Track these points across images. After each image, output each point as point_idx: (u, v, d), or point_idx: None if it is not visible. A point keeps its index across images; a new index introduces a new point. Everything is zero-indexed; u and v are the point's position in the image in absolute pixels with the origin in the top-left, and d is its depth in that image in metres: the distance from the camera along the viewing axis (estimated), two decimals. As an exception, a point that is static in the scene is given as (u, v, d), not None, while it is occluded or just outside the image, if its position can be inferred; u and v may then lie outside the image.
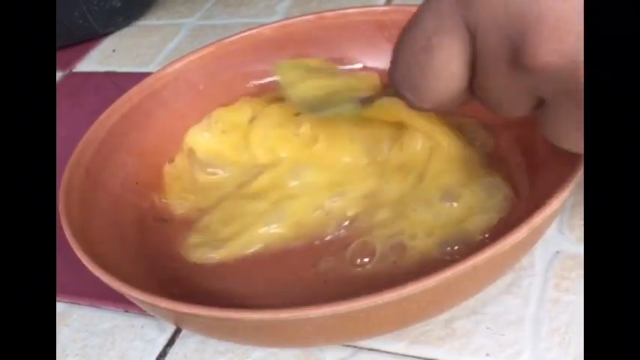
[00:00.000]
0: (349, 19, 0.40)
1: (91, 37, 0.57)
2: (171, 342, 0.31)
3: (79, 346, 0.32)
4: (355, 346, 0.29)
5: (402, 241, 0.30)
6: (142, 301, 0.26)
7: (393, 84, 0.25)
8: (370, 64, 0.41)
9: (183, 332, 0.31)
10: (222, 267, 0.32)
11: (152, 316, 0.32)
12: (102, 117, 0.36)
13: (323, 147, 0.34)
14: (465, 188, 0.31)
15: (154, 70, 0.41)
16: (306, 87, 0.34)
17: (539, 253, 0.31)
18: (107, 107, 0.37)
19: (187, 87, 0.40)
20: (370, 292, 0.23)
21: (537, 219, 0.24)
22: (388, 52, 0.39)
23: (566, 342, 0.27)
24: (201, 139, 0.37)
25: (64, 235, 0.29)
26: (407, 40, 0.24)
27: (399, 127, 0.34)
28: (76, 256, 0.28)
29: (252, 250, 0.32)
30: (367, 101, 0.32)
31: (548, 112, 0.23)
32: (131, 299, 0.27)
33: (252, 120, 0.37)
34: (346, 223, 0.32)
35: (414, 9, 0.39)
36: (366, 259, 0.30)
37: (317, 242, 0.32)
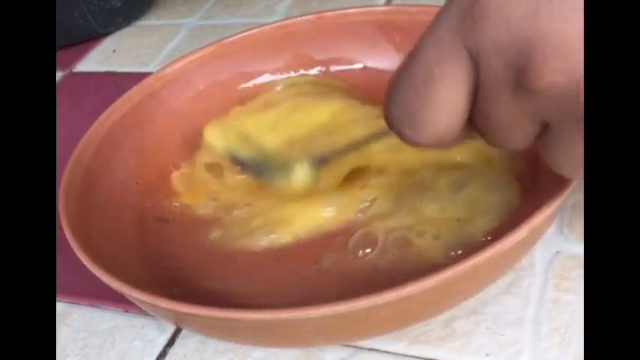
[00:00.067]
0: (349, 19, 0.40)
1: (91, 37, 0.57)
2: (171, 342, 0.31)
3: (79, 346, 0.32)
4: (355, 346, 0.29)
5: (408, 236, 0.30)
6: (142, 301, 0.26)
7: (391, 122, 0.24)
8: (370, 64, 0.41)
9: (183, 332, 0.31)
10: (222, 267, 0.32)
11: (152, 316, 0.32)
12: (102, 117, 0.36)
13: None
14: (472, 180, 0.31)
15: (154, 70, 0.41)
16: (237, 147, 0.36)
17: (539, 253, 0.31)
18: (107, 107, 0.37)
19: (187, 87, 0.40)
20: (372, 290, 0.23)
21: (537, 219, 0.24)
22: (388, 52, 0.40)
23: (566, 342, 0.27)
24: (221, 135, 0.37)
25: (64, 235, 0.29)
26: (406, 75, 0.23)
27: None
28: (76, 256, 0.28)
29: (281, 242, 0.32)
30: (323, 161, 0.33)
31: (551, 137, 0.22)
32: (131, 299, 0.27)
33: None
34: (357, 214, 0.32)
35: (414, 9, 0.40)
36: (368, 250, 0.30)
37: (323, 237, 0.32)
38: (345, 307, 0.23)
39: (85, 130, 0.35)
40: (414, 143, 0.24)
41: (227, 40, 0.41)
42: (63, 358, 0.31)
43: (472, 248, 0.29)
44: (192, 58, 0.40)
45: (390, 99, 0.24)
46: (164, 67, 0.40)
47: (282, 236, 0.32)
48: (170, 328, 0.31)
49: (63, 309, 0.34)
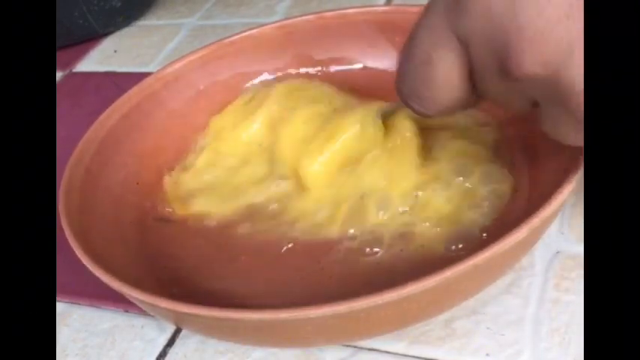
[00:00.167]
0: (349, 19, 0.40)
1: (91, 37, 0.57)
2: (171, 342, 0.31)
3: (79, 346, 0.32)
4: (355, 346, 0.29)
5: (411, 228, 0.30)
6: (142, 301, 0.26)
7: (401, 95, 0.27)
8: (370, 64, 0.41)
9: (183, 332, 0.31)
10: (222, 267, 0.32)
11: (152, 316, 0.32)
12: (102, 117, 0.36)
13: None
14: (477, 167, 0.32)
15: (154, 70, 0.41)
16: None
17: (539, 253, 0.31)
18: (107, 107, 0.37)
19: (187, 87, 0.40)
20: (372, 290, 0.23)
21: (537, 219, 0.24)
22: (388, 52, 0.40)
23: (566, 342, 0.27)
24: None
25: (64, 235, 0.29)
26: (408, 55, 0.25)
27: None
28: (76, 256, 0.28)
29: None
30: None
31: (544, 115, 0.24)
32: (131, 299, 0.27)
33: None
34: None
35: (414, 9, 0.40)
36: (376, 249, 0.30)
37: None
38: (345, 307, 0.23)
39: (85, 130, 0.35)
40: (423, 115, 0.27)
41: (227, 40, 0.41)
42: (63, 358, 0.31)
43: (471, 243, 0.29)
44: (192, 58, 0.40)
45: (399, 77, 0.26)
46: (164, 67, 0.40)
47: (307, 229, 0.32)
48: (170, 328, 0.31)
49: (63, 309, 0.34)
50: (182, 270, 0.32)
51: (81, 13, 0.55)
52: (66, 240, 0.29)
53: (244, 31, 0.41)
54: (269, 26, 0.41)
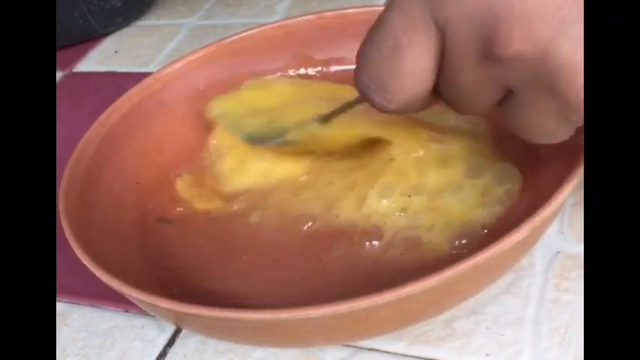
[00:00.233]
0: (349, 19, 0.40)
1: (91, 37, 0.57)
2: (171, 342, 0.31)
3: (79, 346, 0.32)
4: (355, 346, 0.29)
5: (417, 232, 0.30)
6: (142, 301, 0.26)
7: (360, 87, 0.25)
8: (370, 64, 0.41)
9: (183, 332, 0.31)
10: (222, 267, 0.32)
11: (152, 316, 0.32)
12: (102, 117, 0.36)
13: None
14: (491, 166, 0.31)
15: (154, 70, 0.41)
16: (247, 121, 0.35)
17: (539, 253, 0.31)
18: (107, 107, 0.37)
19: (187, 87, 0.40)
20: (372, 289, 0.23)
21: (537, 219, 0.24)
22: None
23: (566, 342, 0.27)
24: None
25: (64, 235, 0.29)
26: (374, 42, 0.24)
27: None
28: (76, 256, 0.28)
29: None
30: (327, 118, 0.32)
31: (514, 103, 0.23)
32: (131, 299, 0.27)
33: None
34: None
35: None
36: (375, 242, 0.30)
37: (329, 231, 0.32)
38: (345, 307, 0.23)
39: (85, 130, 0.35)
40: (383, 109, 0.25)
41: (227, 40, 0.41)
42: (63, 358, 0.31)
43: (474, 239, 0.29)
44: (192, 58, 0.40)
45: (359, 67, 0.25)
46: (164, 67, 0.40)
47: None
48: (170, 328, 0.31)
49: (63, 309, 0.34)
50: (182, 270, 0.32)
51: (81, 13, 0.55)
52: (66, 240, 0.29)
53: (244, 31, 0.41)
54: (269, 26, 0.41)
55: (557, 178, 0.26)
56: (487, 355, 0.27)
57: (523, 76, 0.22)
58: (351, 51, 0.41)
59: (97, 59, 0.55)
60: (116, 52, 0.55)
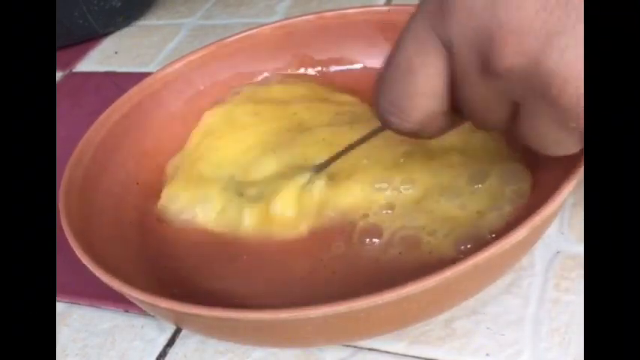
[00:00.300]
0: (349, 19, 0.40)
1: (91, 37, 0.57)
2: (171, 342, 0.31)
3: (79, 346, 0.32)
4: (355, 346, 0.29)
5: (418, 235, 0.30)
6: (142, 301, 0.26)
7: (379, 113, 0.27)
8: (370, 64, 0.41)
9: (183, 332, 0.31)
10: (222, 267, 0.32)
11: (152, 316, 0.32)
12: (102, 117, 0.36)
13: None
14: (492, 169, 0.32)
15: (154, 70, 0.41)
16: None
17: (539, 253, 0.31)
18: (107, 107, 0.37)
19: (187, 87, 0.40)
20: (373, 289, 0.23)
21: (537, 219, 0.24)
22: (388, 52, 0.40)
23: (566, 342, 0.27)
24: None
25: (64, 235, 0.29)
26: (391, 67, 0.26)
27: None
28: (76, 256, 0.28)
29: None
30: (322, 168, 0.33)
31: (523, 115, 0.24)
32: (131, 299, 0.27)
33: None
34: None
35: (414, 9, 0.40)
36: (375, 240, 0.31)
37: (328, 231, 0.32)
38: (345, 307, 0.23)
39: (85, 130, 0.35)
40: (400, 130, 0.27)
41: (227, 40, 0.41)
42: (63, 358, 0.31)
43: (480, 242, 0.29)
44: (192, 58, 0.40)
45: (378, 92, 0.27)
46: (164, 67, 0.40)
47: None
48: (170, 328, 0.31)
49: (63, 309, 0.34)
50: (182, 270, 0.32)
51: (81, 13, 0.55)
52: (66, 240, 0.29)
53: (244, 31, 0.41)
54: (269, 26, 0.41)
55: (557, 178, 0.26)
56: (487, 355, 0.27)
57: (520, 87, 0.23)
58: (351, 51, 0.41)
59: (97, 59, 0.55)
60: (116, 52, 0.55)
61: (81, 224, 0.31)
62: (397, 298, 0.23)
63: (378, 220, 0.31)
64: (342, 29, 0.41)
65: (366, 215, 0.32)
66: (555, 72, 0.21)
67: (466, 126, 0.33)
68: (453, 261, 0.24)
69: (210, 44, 0.41)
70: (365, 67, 0.41)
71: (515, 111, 0.24)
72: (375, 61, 0.40)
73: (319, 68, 0.41)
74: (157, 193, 0.36)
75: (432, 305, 0.26)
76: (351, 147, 0.32)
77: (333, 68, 0.41)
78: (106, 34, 0.58)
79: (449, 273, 0.23)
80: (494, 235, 0.29)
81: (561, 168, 0.27)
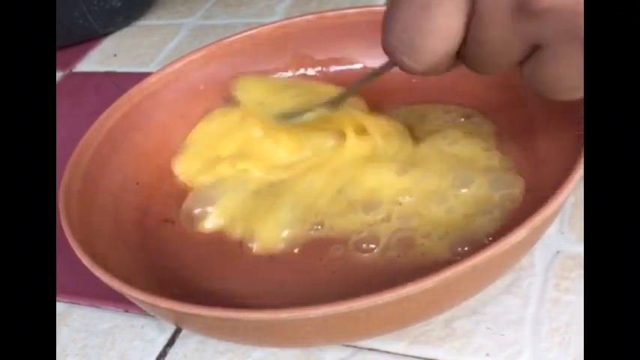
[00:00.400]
0: (349, 19, 0.40)
1: (91, 37, 0.57)
2: (171, 342, 0.31)
3: (79, 346, 0.32)
4: (355, 346, 0.29)
5: (413, 237, 0.30)
6: (142, 301, 0.26)
7: (388, 50, 0.25)
8: (370, 64, 0.41)
9: (183, 332, 0.31)
10: (222, 267, 0.32)
11: (152, 316, 0.32)
12: (102, 117, 0.36)
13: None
14: (477, 176, 0.32)
15: (154, 70, 0.41)
16: (272, 102, 0.35)
17: (539, 253, 0.31)
18: (107, 107, 0.37)
19: (187, 87, 0.40)
20: (372, 290, 0.23)
21: (537, 219, 0.24)
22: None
23: (566, 342, 0.27)
24: None
25: (64, 235, 0.29)
26: (402, 4, 0.24)
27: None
28: (76, 256, 0.28)
29: None
30: (336, 102, 0.33)
31: (543, 58, 0.23)
32: (131, 299, 0.27)
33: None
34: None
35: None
36: (372, 246, 0.31)
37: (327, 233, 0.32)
38: (345, 307, 0.23)
39: (85, 130, 0.35)
40: (411, 70, 0.25)
41: (227, 40, 0.41)
42: (63, 358, 0.31)
43: (477, 245, 0.29)
44: (192, 58, 0.40)
45: (387, 28, 0.25)
46: (164, 67, 0.40)
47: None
48: (170, 328, 0.31)
49: (63, 309, 0.34)
50: (182, 270, 0.32)
51: (81, 13, 0.55)
52: (66, 240, 0.29)
53: (244, 31, 0.41)
54: (269, 26, 0.41)
55: (557, 178, 0.26)
56: (487, 355, 0.27)
57: (555, 29, 0.22)
58: (351, 51, 0.41)
59: (97, 59, 0.55)
60: (115, 55, 0.55)
61: (81, 224, 0.31)
62: (397, 298, 0.23)
63: (373, 230, 0.31)
64: (342, 29, 0.41)
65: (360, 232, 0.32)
66: None
67: (459, 133, 0.33)
68: (449, 263, 0.24)
69: (210, 44, 0.41)
70: (365, 67, 0.41)
71: (530, 51, 0.24)
72: (375, 61, 0.40)
73: (319, 68, 0.41)
74: (157, 193, 0.36)
75: (432, 305, 0.26)
76: (362, 82, 0.31)
77: (333, 68, 0.41)
78: (106, 34, 0.58)
79: (449, 273, 0.23)
80: (490, 239, 0.29)
81: (561, 168, 0.27)
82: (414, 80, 0.38)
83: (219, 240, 0.33)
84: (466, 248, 0.29)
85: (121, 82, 0.50)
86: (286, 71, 0.41)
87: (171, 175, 0.37)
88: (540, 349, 0.27)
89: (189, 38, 0.55)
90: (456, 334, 0.28)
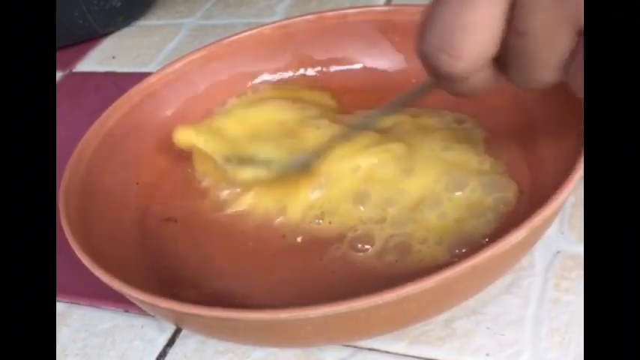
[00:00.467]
0: (349, 19, 0.40)
1: (91, 37, 0.57)
2: (171, 342, 0.31)
3: (79, 346, 0.32)
4: (355, 346, 0.29)
5: (409, 242, 0.30)
6: (142, 301, 0.26)
7: (426, 51, 0.25)
8: (370, 64, 0.41)
9: (183, 332, 0.31)
10: (222, 267, 0.32)
11: (152, 316, 0.32)
12: (102, 117, 0.36)
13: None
14: (470, 179, 0.32)
15: (154, 70, 0.41)
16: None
17: (539, 253, 0.31)
18: (107, 107, 0.37)
19: (187, 87, 0.40)
20: (372, 290, 0.23)
21: (537, 219, 0.24)
22: (388, 52, 0.40)
23: (566, 342, 0.27)
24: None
25: (64, 235, 0.29)
26: (443, 1, 0.24)
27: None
28: (76, 256, 0.28)
29: None
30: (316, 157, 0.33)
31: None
32: (131, 299, 0.27)
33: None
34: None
35: (414, 9, 0.40)
36: (367, 246, 0.31)
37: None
38: (345, 307, 0.23)
39: (85, 130, 0.35)
40: (449, 70, 0.25)
41: (227, 40, 0.41)
42: (63, 358, 0.31)
43: (475, 246, 0.29)
44: (192, 58, 0.40)
45: (426, 28, 0.25)
46: (164, 67, 0.40)
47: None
48: (170, 328, 0.31)
49: (63, 309, 0.34)
50: (182, 270, 0.32)
51: (81, 13, 0.55)
52: (66, 240, 0.29)
53: (244, 31, 0.41)
54: (269, 26, 0.41)
55: (557, 178, 0.26)
56: (487, 355, 0.27)
57: None
58: (351, 51, 0.41)
59: (97, 59, 0.55)
60: (114, 57, 0.55)
61: (81, 224, 0.31)
62: (397, 298, 0.23)
63: (368, 229, 0.31)
64: (342, 29, 0.41)
65: (355, 229, 0.32)
66: None
67: (453, 138, 0.33)
68: (448, 264, 0.24)
69: (210, 44, 0.41)
70: (365, 67, 0.41)
71: (575, 52, 0.23)
72: (375, 61, 0.40)
73: (319, 68, 0.41)
74: (157, 193, 0.36)
75: (432, 305, 0.26)
76: (392, 106, 0.31)
77: (333, 68, 0.41)
78: (106, 34, 0.58)
79: (449, 273, 0.23)
80: (487, 240, 0.29)
81: (561, 168, 0.27)
82: (413, 80, 0.38)
83: (219, 239, 0.33)
84: (464, 250, 0.29)
85: (121, 82, 0.50)
86: (286, 71, 0.41)
87: (171, 175, 0.37)
88: (540, 349, 0.27)
89: (189, 38, 0.55)
90: (456, 334, 0.28)
